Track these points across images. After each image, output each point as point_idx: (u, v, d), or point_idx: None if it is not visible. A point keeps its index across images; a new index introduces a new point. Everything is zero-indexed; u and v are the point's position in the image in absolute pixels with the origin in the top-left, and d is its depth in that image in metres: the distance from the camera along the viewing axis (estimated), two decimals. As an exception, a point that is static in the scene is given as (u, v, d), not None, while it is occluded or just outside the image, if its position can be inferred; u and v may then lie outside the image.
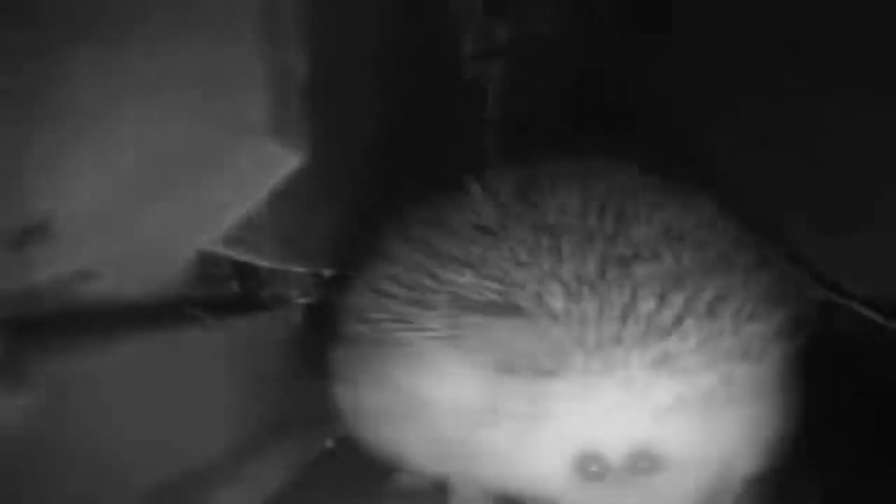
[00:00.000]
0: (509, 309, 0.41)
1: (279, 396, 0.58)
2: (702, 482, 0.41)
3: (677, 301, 0.40)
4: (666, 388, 0.39)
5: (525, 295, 0.41)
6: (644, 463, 0.40)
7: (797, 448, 0.61)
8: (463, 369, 0.42)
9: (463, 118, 0.84)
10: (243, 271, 0.57)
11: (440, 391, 0.43)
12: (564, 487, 0.41)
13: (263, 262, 0.50)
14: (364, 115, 0.64)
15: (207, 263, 0.47)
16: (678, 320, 0.40)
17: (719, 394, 0.40)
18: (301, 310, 0.62)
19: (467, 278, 0.43)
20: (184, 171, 0.35)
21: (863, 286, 0.65)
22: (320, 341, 0.53)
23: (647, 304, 0.40)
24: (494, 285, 0.42)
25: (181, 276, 0.45)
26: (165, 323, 0.47)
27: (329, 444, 0.62)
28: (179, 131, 0.33)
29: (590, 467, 0.40)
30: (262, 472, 0.54)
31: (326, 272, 0.59)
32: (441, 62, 0.83)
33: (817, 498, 0.55)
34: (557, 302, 0.40)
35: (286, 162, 0.36)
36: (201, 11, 0.31)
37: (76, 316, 0.38)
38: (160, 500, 0.43)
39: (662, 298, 0.40)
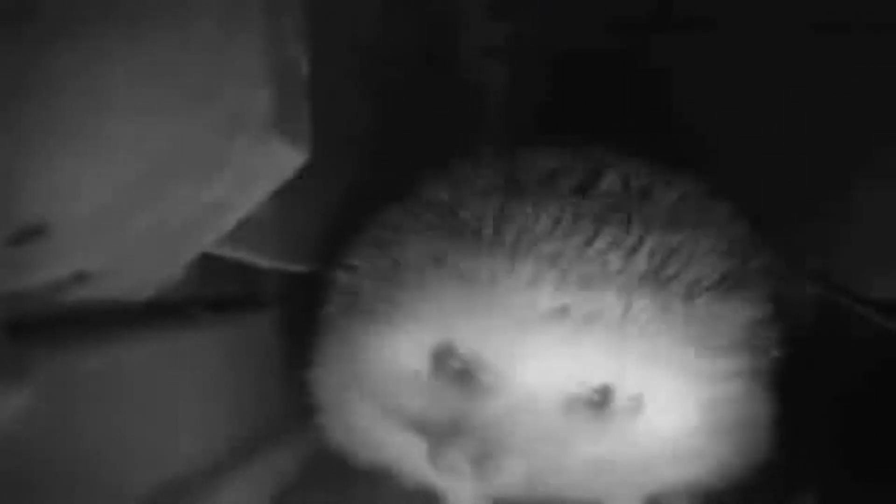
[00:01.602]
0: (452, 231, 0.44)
1: (280, 396, 0.58)
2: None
3: (607, 234, 0.42)
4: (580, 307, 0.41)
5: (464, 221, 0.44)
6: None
7: (793, 446, 0.61)
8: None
9: (463, 118, 0.84)
10: (244, 271, 0.57)
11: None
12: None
13: (264, 263, 0.50)
14: (363, 115, 0.64)
15: (208, 263, 0.47)
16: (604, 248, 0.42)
17: (631, 323, 0.41)
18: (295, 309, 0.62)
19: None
20: (184, 170, 0.34)
21: (863, 286, 0.66)
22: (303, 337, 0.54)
23: (580, 236, 0.42)
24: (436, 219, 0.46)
25: (181, 277, 0.45)
26: (165, 323, 0.46)
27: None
28: (180, 128, 0.33)
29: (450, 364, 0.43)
30: (263, 471, 0.54)
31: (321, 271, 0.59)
32: (441, 62, 0.83)
33: (812, 495, 0.55)
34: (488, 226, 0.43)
35: (290, 160, 0.35)
36: (203, 5, 0.31)
37: (74, 317, 0.38)
38: (160, 500, 0.43)
39: (596, 231, 0.42)
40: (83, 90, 0.30)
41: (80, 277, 0.35)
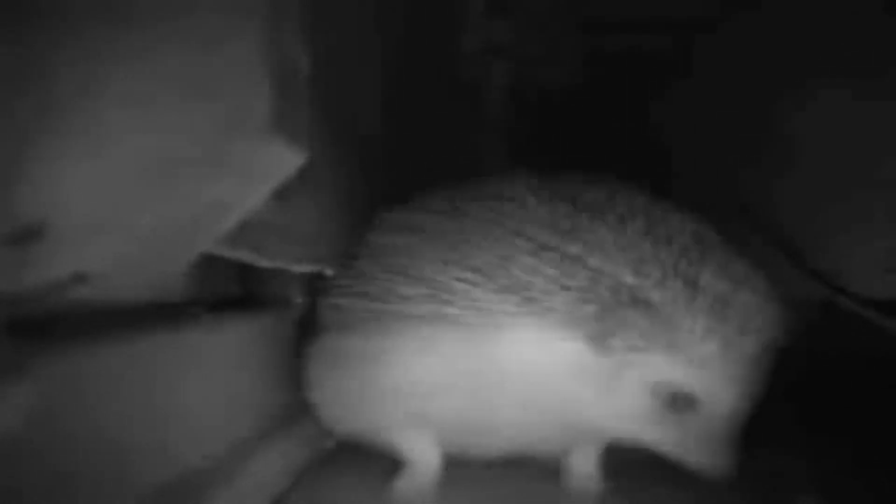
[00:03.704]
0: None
1: (280, 396, 0.58)
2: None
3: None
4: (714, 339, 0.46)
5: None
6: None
7: (793, 446, 0.61)
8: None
9: (463, 118, 0.84)
10: (244, 271, 0.57)
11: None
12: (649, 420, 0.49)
13: (264, 263, 0.50)
14: (364, 115, 0.64)
15: (208, 263, 0.47)
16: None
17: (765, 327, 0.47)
18: (299, 310, 0.62)
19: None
20: (184, 170, 0.34)
21: (863, 286, 0.66)
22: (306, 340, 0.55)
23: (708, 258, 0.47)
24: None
25: (182, 277, 0.45)
26: (165, 323, 0.46)
27: (329, 444, 0.62)
28: (180, 128, 0.33)
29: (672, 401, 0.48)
30: (263, 471, 0.54)
31: (325, 272, 0.59)
32: (441, 62, 0.83)
33: (813, 496, 0.55)
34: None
35: (290, 161, 0.35)
36: (203, 5, 0.31)
37: (74, 317, 0.38)
38: (161, 501, 0.43)
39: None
40: (83, 90, 0.30)
41: (80, 277, 0.35)
